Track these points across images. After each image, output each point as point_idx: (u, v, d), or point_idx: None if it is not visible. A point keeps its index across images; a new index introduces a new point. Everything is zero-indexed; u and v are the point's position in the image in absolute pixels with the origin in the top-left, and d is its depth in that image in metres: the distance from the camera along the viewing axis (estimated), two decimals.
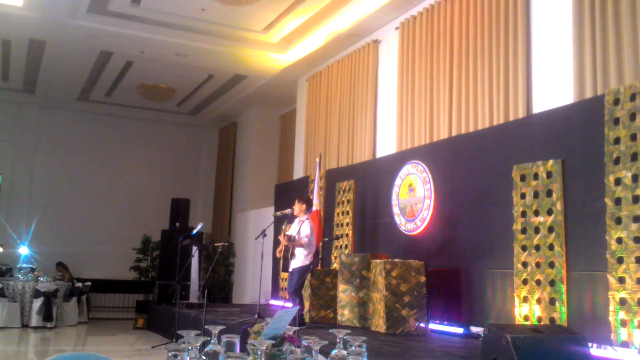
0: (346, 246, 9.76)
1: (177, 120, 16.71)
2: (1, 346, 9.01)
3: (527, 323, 6.16)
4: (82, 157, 15.66)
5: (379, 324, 7.15)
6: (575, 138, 6.08)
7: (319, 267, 9.20)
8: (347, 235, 9.80)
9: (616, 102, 5.60)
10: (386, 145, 9.66)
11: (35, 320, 10.42)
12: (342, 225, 10.01)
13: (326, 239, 9.75)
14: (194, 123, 16.95)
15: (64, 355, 2.50)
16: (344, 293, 7.85)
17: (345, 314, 7.82)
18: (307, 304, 8.15)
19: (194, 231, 10.20)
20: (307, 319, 7.95)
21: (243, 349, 2.14)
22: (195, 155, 17.28)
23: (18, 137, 15.16)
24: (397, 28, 9.59)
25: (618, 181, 5.47)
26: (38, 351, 8.83)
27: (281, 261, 7.82)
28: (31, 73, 13.31)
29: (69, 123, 15.65)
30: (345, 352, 2.09)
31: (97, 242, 15.10)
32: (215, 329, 2.21)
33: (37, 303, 10.46)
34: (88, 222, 15.32)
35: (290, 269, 7.70)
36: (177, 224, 13.33)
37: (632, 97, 5.46)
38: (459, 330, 7.22)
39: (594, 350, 5.29)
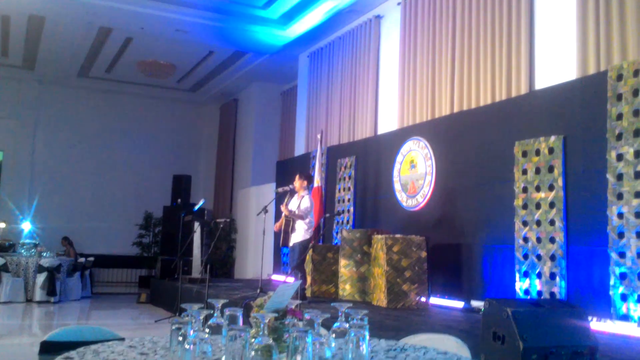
0: (347, 222, 9.79)
1: (178, 97, 16.66)
2: (6, 320, 9.11)
3: (528, 297, 6.21)
4: (83, 133, 15.65)
5: (380, 298, 7.20)
6: (578, 114, 6.06)
7: (320, 243, 9.25)
8: (348, 211, 9.83)
9: (619, 78, 5.57)
10: (388, 122, 9.63)
11: (39, 294, 10.52)
12: (343, 201, 10.04)
13: (327, 215, 9.78)
14: (195, 100, 16.91)
15: (68, 328, 2.54)
16: (346, 268, 7.90)
17: (346, 289, 7.87)
18: (309, 279, 8.21)
19: (196, 207, 10.23)
20: (308, 294, 8.01)
21: (245, 322, 2.16)
22: (196, 132, 17.26)
23: (18, 114, 15.13)
24: (399, 4, 9.50)
25: (620, 157, 5.47)
26: (42, 325, 8.93)
27: (282, 235, 7.86)
28: (31, 49, 13.23)
29: (70, 100, 15.62)
30: (347, 325, 2.11)
31: (100, 217, 15.18)
32: (219, 303, 2.23)
33: (41, 278, 10.55)
34: (90, 198, 15.38)
35: (290, 244, 7.74)
36: (179, 200, 13.37)
37: (635, 73, 5.44)
38: (460, 304, 7.27)
39: (594, 323, 5.34)
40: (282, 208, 7.70)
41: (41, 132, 15.34)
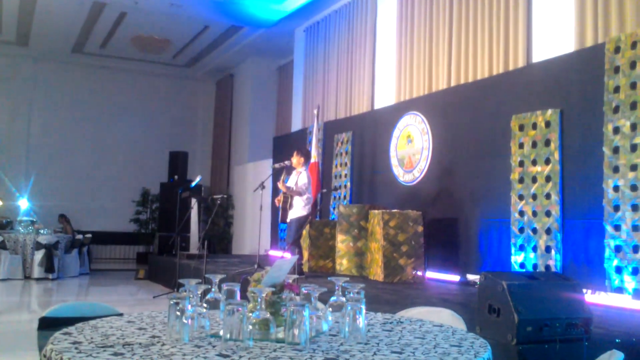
0: (344, 197, 9.81)
1: (174, 73, 16.55)
2: (5, 297, 9.15)
3: (523, 270, 6.25)
4: (79, 110, 15.56)
5: (376, 273, 7.25)
6: (575, 87, 6.04)
7: (318, 219, 9.27)
8: (345, 186, 9.84)
9: (617, 50, 5.54)
10: (384, 97, 9.59)
11: (37, 271, 10.56)
12: (340, 176, 10.04)
13: (324, 190, 9.79)
14: (191, 75, 16.79)
15: (67, 304, 2.55)
16: (343, 243, 7.94)
17: (343, 264, 7.91)
18: (306, 254, 8.25)
19: (193, 184, 10.22)
20: (306, 269, 8.05)
21: (243, 297, 2.18)
22: (193, 107, 17.17)
23: (13, 91, 15.02)
24: None
25: (616, 130, 5.47)
26: (41, 302, 8.97)
27: (280, 211, 7.88)
28: (24, 25, 13.08)
29: (65, 76, 15.51)
30: (344, 299, 2.12)
31: (97, 194, 15.19)
32: (216, 278, 2.24)
33: (39, 255, 10.58)
34: (87, 175, 15.35)
35: (288, 220, 7.76)
36: (176, 177, 13.36)
37: (633, 45, 5.41)
38: (456, 278, 7.33)
39: (589, 296, 5.39)
40: (280, 185, 7.69)
41: (36, 109, 15.25)
